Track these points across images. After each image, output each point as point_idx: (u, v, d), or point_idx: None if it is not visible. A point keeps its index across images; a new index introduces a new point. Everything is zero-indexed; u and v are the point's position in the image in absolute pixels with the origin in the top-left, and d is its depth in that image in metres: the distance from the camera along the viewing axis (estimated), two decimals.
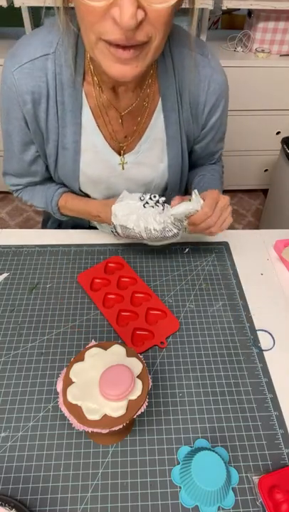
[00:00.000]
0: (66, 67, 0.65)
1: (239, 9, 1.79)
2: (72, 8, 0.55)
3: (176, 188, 0.85)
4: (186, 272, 0.79)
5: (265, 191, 2.18)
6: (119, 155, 0.76)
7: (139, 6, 0.47)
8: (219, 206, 0.68)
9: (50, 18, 0.65)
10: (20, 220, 2.09)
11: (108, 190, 0.81)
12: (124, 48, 0.51)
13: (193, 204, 0.65)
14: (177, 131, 0.74)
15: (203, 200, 0.66)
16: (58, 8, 0.56)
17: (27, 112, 0.68)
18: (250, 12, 1.74)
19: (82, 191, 0.82)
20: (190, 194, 0.68)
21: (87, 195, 0.84)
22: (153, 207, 0.68)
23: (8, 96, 0.67)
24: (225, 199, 0.70)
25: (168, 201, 0.70)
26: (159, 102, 0.72)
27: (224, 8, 1.55)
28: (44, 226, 1.04)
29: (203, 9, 1.60)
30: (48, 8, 0.64)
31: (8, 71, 0.65)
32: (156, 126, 0.74)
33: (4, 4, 1.46)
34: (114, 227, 0.71)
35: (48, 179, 0.85)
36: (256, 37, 1.74)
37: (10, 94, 0.66)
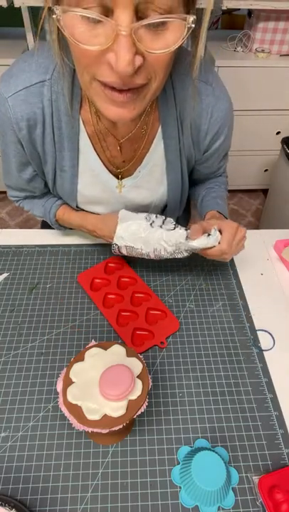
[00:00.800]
0: (62, 94, 0.63)
1: (239, 9, 1.80)
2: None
3: (177, 208, 0.84)
4: (186, 272, 0.79)
5: (265, 191, 2.18)
6: (118, 178, 0.75)
7: (137, 52, 0.44)
8: (236, 240, 0.68)
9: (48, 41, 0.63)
10: (20, 220, 2.09)
11: (106, 211, 0.81)
12: (121, 91, 0.49)
13: (212, 241, 0.66)
14: (177, 156, 0.73)
15: (220, 233, 0.67)
16: (53, 41, 0.52)
17: (22, 137, 0.67)
18: (250, 12, 1.74)
19: (81, 209, 0.81)
20: (191, 204, 0.68)
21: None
22: (161, 226, 0.68)
23: (2, 121, 0.66)
24: (242, 232, 0.69)
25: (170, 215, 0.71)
26: (159, 130, 0.70)
27: (224, 8, 1.55)
28: (44, 226, 1.04)
29: (203, 9, 1.60)
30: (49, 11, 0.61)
31: (2, 97, 0.63)
32: (156, 152, 0.72)
33: (4, 4, 1.46)
34: (119, 247, 0.71)
35: (48, 192, 0.84)
36: (256, 37, 1.74)
37: (4, 119, 0.65)
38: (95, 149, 0.71)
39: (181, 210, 0.88)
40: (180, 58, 0.62)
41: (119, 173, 0.74)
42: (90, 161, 0.72)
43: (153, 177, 0.76)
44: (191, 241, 0.67)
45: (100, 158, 0.72)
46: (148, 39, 0.44)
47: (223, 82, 0.70)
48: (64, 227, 0.85)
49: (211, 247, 0.67)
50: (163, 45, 0.45)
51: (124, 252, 0.71)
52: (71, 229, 0.85)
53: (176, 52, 0.48)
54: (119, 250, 0.71)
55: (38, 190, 0.81)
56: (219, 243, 0.67)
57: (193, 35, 0.51)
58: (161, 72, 0.49)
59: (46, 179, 0.77)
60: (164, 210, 0.86)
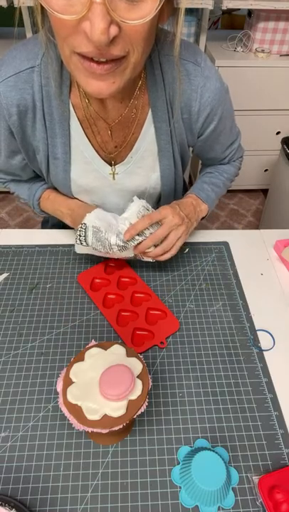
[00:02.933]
0: (52, 78, 0.64)
1: (239, 9, 1.80)
2: None
3: (171, 197, 0.84)
4: (186, 272, 0.79)
5: (265, 191, 2.18)
6: (110, 165, 0.75)
7: (112, 22, 0.44)
8: (168, 223, 0.70)
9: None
10: (20, 220, 2.09)
11: (101, 200, 0.81)
12: (99, 62, 0.49)
13: (132, 211, 0.70)
14: (168, 142, 0.73)
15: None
16: (36, 17, 0.53)
17: (12, 124, 0.67)
18: (250, 12, 1.74)
19: (76, 198, 0.81)
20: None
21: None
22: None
23: None
24: (175, 219, 0.70)
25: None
26: (149, 113, 0.70)
27: (224, 8, 1.54)
28: (44, 226, 1.04)
29: (203, 9, 1.60)
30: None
31: None
32: (147, 137, 0.72)
33: (4, 4, 1.46)
34: (86, 227, 0.70)
35: (34, 178, 0.85)
36: (256, 37, 1.74)
37: None
38: (86, 134, 0.71)
39: (176, 196, 0.88)
40: (165, 39, 0.63)
41: (112, 159, 0.74)
42: (81, 146, 0.72)
43: (145, 163, 0.75)
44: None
45: (92, 144, 0.72)
46: (123, 8, 0.44)
47: (213, 65, 0.70)
48: (44, 213, 0.85)
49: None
50: (138, 15, 0.45)
51: (89, 240, 0.70)
52: (49, 216, 0.86)
53: (154, 26, 0.49)
54: (84, 237, 0.70)
55: (25, 176, 0.82)
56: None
57: (174, 13, 0.52)
58: (139, 45, 0.49)
59: (40, 169, 0.77)
60: (158, 202, 0.85)
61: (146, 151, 0.74)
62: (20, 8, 1.47)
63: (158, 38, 0.61)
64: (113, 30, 0.45)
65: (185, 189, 0.99)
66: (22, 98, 0.64)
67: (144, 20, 0.45)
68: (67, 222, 0.79)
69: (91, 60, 0.49)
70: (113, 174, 0.76)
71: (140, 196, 0.79)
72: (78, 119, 0.69)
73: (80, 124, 0.70)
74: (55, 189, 0.83)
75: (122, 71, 0.52)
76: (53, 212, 0.82)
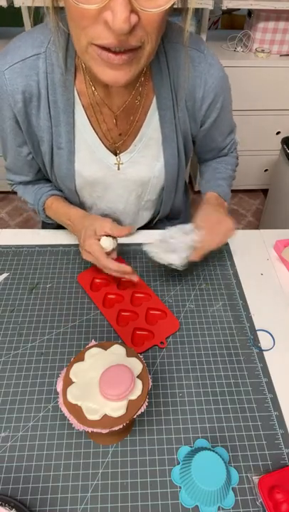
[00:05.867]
0: (57, 66, 0.65)
1: (239, 9, 1.79)
2: (62, 8, 0.54)
3: (173, 187, 0.84)
4: (186, 272, 0.79)
5: (265, 191, 2.18)
6: (115, 155, 0.75)
7: (133, 10, 0.46)
8: (217, 233, 0.72)
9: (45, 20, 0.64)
10: (20, 220, 2.09)
11: (105, 192, 0.81)
12: (116, 53, 0.50)
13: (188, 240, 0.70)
14: (172, 130, 0.73)
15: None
16: (47, 8, 0.55)
17: (18, 112, 0.68)
18: (250, 12, 1.74)
19: (78, 194, 0.81)
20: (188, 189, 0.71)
21: (82, 205, 0.85)
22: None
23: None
24: (225, 225, 0.73)
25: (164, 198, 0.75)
26: (154, 100, 0.71)
27: (224, 8, 1.54)
28: (44, 226, 1.04)
29: (203, 9, 1.60)
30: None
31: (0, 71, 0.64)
32: (151, 124, 0.73)
33: (4, 4, 1.46)
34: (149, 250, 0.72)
35: (41, 180, 0.85)
36: (256, 37, 1.74)
37: (1, 93, 0.66)
38: (90, 123, 0.71)
39: (178, 195, 0.88)
40: (170, 27, 0.65)
41: (116, 148, 0.75)
42: (85, 134, 0.72)
43: (149, 152, 0.76)
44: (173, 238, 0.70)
45: (96, 134, 0.72)
46: None
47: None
48: (50, 219, 0.85)
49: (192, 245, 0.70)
50: (156, 4, 0.47)
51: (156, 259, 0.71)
52: (58, 225, 0.86)
53: (166, 16, 0.51)
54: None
55: (31, 174, 0.82)
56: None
57: (184, 3, 0.55)
58: (153, 34, 0.51)
59: (44, 161, 0.77)
60: (161, 192, 0.85)
61: (150, 139, 0.74)
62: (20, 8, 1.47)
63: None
64: (133, 18, 0.46)
65: (186, 188, 1.00)
66: (27, 85, 0.65)
67: (163, 8, 0.47)
68: (69, 230, 0.80)
69: (108, 50, 0.50)
70: (118, 164, 0.76)
71: (144, 187, 0.81)
72: (83, 106, 0.69)
73: (85, 111, 0.70)
74: (59, 196, 0.83)
75: (138, 60, 0.54)
76: (56, 220, 0.83)
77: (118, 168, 0.77)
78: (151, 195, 0.84)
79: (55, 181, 0.81)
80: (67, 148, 0.73)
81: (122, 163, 0.76)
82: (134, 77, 0.56)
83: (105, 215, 0.87)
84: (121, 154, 0.75)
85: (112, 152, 0.75)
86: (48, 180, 0.86)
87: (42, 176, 0.84)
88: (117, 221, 0.90)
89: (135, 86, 0.68)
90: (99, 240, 0.70)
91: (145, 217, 0.93)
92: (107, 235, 0.71)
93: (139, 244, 0.84)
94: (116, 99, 0.69)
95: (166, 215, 0.94)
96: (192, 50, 0.68)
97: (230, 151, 0.89)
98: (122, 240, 0.82)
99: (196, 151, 0.88)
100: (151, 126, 0.73)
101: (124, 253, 0.82)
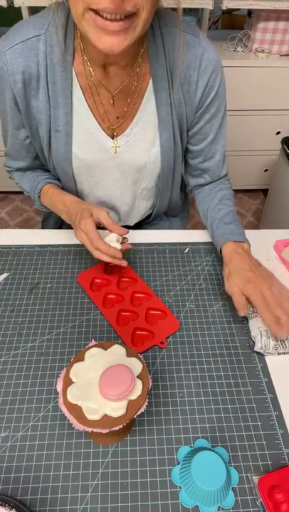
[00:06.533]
0: (57, 47, 0.66)
1: (239, 9, 1.79)
2: None
3: (170, 177, 0.84)
4: (186, 272, 0.79)
5: (265, 191, 2.18)
6: (112, 139, 0.76)
7: None
8: (270, 300, 0.64)
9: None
10: (20, 220, 2.09)
11: (101, 176, 0.81)
12: (112, 20, 0.52)
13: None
14: (168, 113, 0.74)
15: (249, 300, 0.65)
16: None
17: (17, 92, 0.69)
18: (250, 12, 1.74)
19: (75, 179, 0.82)
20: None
21: (79, 193, 0.85)
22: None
23: (0, 75, 0.68)
24: (270, 286, 0.66)
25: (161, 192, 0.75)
26: (150, 83, 0.72)
27: (224, 8, 1.55)
28: (44, 226, 1.04)
29: (203, 9, 1.60)
30: None
31: (1, 52, 0.66)
32: (148, 107, 0.74)
33: (4, 4, 1.46)
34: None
35: (38, 169, 0.86)
36: (256, 37, 1.74)
37: (2, 73, 0.68)
38: (88, 105, 0.72)
39: (174, 188, 0.88)
40: (166, 12, 0.69)
41: (113, 131, 0.75)
42: (83, 116, 0.73)
43: (145, 136, 0.76)
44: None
45: (94, 116, 0.73)
46: None
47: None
48: (45, 208, 0.85)
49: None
50: None
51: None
52: (51, 211, 0.85)
53: None
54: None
55: (29, 157, 0.83)
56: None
57: None
58: (148, 2, 0.53)
59: (42, 146, 0.77)
60: (157, 184, 0.85)
61: (146, 122, 0.75)
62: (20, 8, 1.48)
63: (158, 9, 0.65)
64: None
65: (184, 185, 1.00)
66: (27, 65, 0.67)
67: None
68: (64, 217, 0.79)
69: (105, 18, 0.52)
70: (115, 148, 0.76)
71: (140, 172, 0.80)
72: (81, 87, 0.71)
73: (83, 92, 0.71)
74: (56, 184, 0.83)
75: (134, 28, 0.55)
76: (51, 207, 0.83)
77: (115, 152, 0.77)
78: (148, 182, 0.84)
79: (53, 168, 0.81)
80: (64, 130, 0.73)
81: (118, 147, 0.77)
82: (130, 45, 0.57)
83: (102, 202, 0.87)
84: (118, 137, 0.76)
85: (109, 136, 0.76)
86: (45, 170, 0.86)
87: (39, 164, 0.85)
88: (114, 209, 0.90)
89: (132, 67, 0.70)
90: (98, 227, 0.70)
91: (142, 208, 0.92)
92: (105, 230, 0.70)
93: (139, 244, 0.84)
94: (113, 81, 0.71)
95: (163, 210, 0.94)
96: (188, 34, 0.69)
97: (220, 176, 0.86)
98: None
99: (187, 162, 0.87)
100: (148, 109, 0.74)
101: (124, 253, 0.82)
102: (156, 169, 0.81)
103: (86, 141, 0.75)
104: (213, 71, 0.72)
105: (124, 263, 0.70)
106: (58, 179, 0.84)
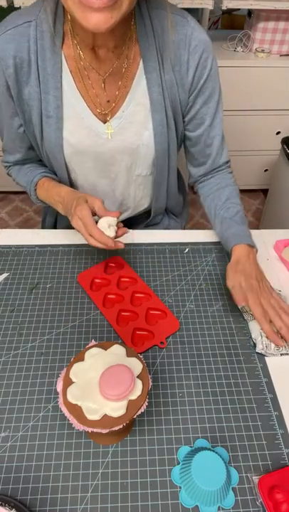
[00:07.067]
0: (47, 32, 0.68)
1: (239, 9, 1.80)
2: None
3: (165, 164, 0.83)
4: (186, 272, 0.79)
5: (265, 191, 2.18)
6: (104, 123, 0.76)
7: None
8: (270, 309, 0.66)
9: None
10: (20, 220, 2.09)
11: (94, 162, 0.81)
12: None
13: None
14: (160, 94, 0.73)
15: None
16: None
17: (9, 77, 0.70)
18: (250, 12, 1.74)
19: (68, 167, 0.82)
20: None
21: (73, 183, 0.85)
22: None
23: None
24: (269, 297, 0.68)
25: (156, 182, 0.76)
26: (140, 64, 0.72)
27: (224, 8, 1.55)
28: (44, 225, 1.04)
29: (203, 9, 1.60)
30: None
31: None
32: (139, 89, 0.74)
33: (4, 4, 1.46)
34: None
35: (34, 163, 0.87)
36: (256, 37, 1.74)
37: None
38: (78, 89, 0.73)
39: (171, 179, 0.87)
40: None
41: (105, 116, 0.76)
42: (73, 100, 0.73)
43: (137, 118, 0.76)
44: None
45: (84, 100, 0.74)
46: None
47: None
48: (41, 201, 0.85)
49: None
50: None
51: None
52: (47, 205, 0.86)
53: None
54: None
55: (24, 148, 0.83)
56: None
57: None
58: None
59: (35, 134, 0.78)
60: (152, 172, 0.84)
61: (138, 104, 0.75)
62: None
63: None
64: None
65: (181, 182, 0.99)
66: (18, 50, 0.68)
67: None
68: (59, 209, 0.79)
69: None
70: (108, 133, 0.77)
71: (133, 157, 0.79)
72: (71, 71, 0.72)
73: (73, 77, 0.72)
74: (52, 178, 0.84)
75: (119, 5, 0.56)
76: (47, 200, 0.83)
77: (109, 137, 0.77)
78: (142, 168, 0.83)
79: (46, 157, 0.81)
80: (55, 114, 0.73)
81: (110, 131, 0.76)
82: (116, 23, 0.57)
83: (95, 191, 0.86)
84: (110, 121, 0.76)
85: (101, 121, 0.76)
86: (42, 164, 0.87)
87: (35, 156, 0.85)
88: (108, 196, 0.88)
89: (122, 49, 0.70)
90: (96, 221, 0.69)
91: (137, 197, 0.90)
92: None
93: (139, 244, 0.84)
94: (103, 64, 0.71)
95: (162, 206, 0.93)
96: (176, 15, 0.70)
97: (220, 166, 0.86)
98: (122, 240, 0.82)
99: (187, 151, 0.86)
100: (139, 91, 0.74)
101: (124, 253, 0.82)
102: (150, 153, 0.80)
103: (77, 125, 0.76)
104: (204, 50, 0.72)
105: (121, 245, 0.69)
106: (55, 173, 0.84)
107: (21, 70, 0.70)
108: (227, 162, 0.87)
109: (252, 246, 0.75)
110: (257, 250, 0.76)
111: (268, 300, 0.67)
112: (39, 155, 0.84)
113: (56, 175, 0.84)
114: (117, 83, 0.73)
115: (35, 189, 0.83)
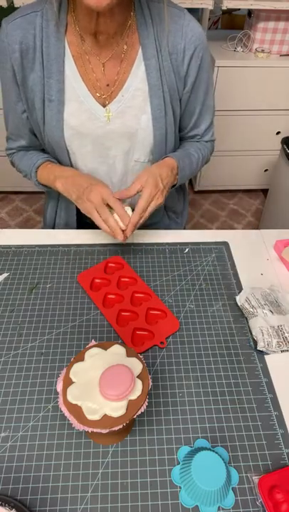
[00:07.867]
0: (52, 20, 0.73)
1: (239, 9, 1.80)
2: None
3: (163, 151, 0.84)
4: (186, 272, 0.79)
5: (265, 191, 2.18)
6: (104, 107, 0.79)
7: None
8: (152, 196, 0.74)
9: None
10: (20, 220, 2.09)
11: (93, 146, 0.82)
12: None
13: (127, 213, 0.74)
14: (158, 79, 0.77)
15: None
16: None
17: (15, 61, 0.74)
18: (250, 12, 1.74)
19: (68, 150, 0.83)
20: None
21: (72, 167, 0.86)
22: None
23: (2, 47, 0.74)
24: (153, 191, 0.74)
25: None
26: (140, 51, 0.76)
27: (224, 8, 1.55)
28: (44, 226, 1.04)
29: (203, 9, 1.60)
30: None
31: (3, 27, 0.74)
32: (138, 74, 0.77)
33: (4, 4, 1.46)
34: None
35: (38, 150, 0.89)
36: (256, 37, 1.74)
37: (4, 45, 0.74)
38: (79, 73, 0.76)
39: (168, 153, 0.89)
40: None
41: (104, 100, 0.79)
42: (74, 83, 0.76)
43: (136, 102, 0.79)
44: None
45: (85, 84, 0.77)
46: None
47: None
48: (41, 186, 0.87)
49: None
50: None
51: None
52: (47, 188, 0.86)
53: None
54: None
55: (27, 134, 0.86)
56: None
57: None
58: None
59: (37, 119, 0.80)
60: (151, 156, 0.85)
61: (137, 89, 0.78)
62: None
63: None
64: None
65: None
66: (24, 37, 0.73)
67: None
68: (58, 187, 0.80)
69: None
70: (108, 116, 0.79)
71: (132, 141, 0.82)
72: (73, 56, 0.76)
73: (75, 62, 0.76)
74: (54, 162, 0.85)
75: None
76: (47, 180, 0.84)
77: (108, 120, 0.79)
78: (140, 154, 0.84)
79: (48, 142, 0.83)
80: (57, 98, 0.76)
81: (109, 114, 0.79)
82: (116, 2, 0.61)
83: (94, 174, 0.87)
84: (109, 104, 0.78)
85: (100, 105, 0.78)
86: (45, 152, 0.89)
87: (38, 143, 0.88)
88: (105, 180, 0.88)
89: (122, 37, 0.74)
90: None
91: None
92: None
93: (139, 244, 0.84)
94: (104, 49, 0.75)
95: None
96: (173, 8, 0.75)
97: (206, 140, 0.91)
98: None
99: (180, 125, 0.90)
100: (138, 77, 0.77)
101: (124, 253, 0.82)
102: (148, 138, 0.82)
103: (77, 108, 0.78)
104: (199, 41, 0.76)
105: (126, 236, 0.74)
106: (57, 160, 0.86)
107: (27, 56, 0.74)
108: (213, 141, 0.93)
109: (178, 167, 0.82)
110: (178, 167, 0.82)
111: (156, 202, 0.75)
112: (41, 143, 0.86)
113: (58, 162, 0.86)
114: (117, 68, 0.77)
115: (36, 171, 0.85)
